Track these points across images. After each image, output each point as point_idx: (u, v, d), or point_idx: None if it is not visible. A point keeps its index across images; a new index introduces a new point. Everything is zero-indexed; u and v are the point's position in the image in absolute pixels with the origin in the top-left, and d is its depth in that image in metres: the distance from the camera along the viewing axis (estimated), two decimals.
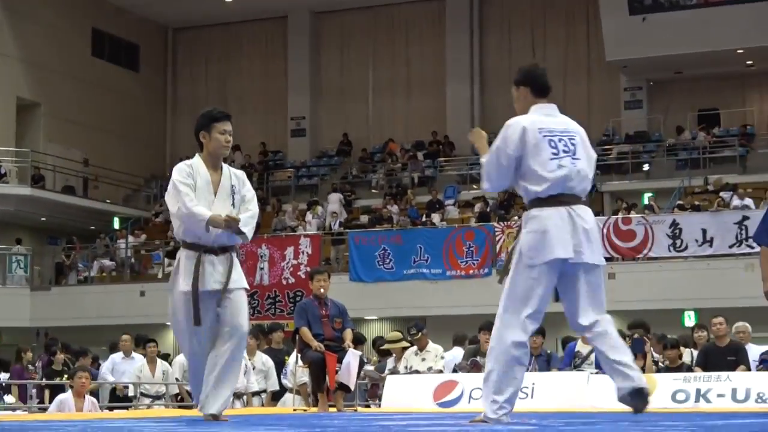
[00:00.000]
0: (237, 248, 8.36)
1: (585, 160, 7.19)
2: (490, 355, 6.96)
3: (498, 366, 6.87)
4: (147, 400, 17.07)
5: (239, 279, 8.23)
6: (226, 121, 8.37)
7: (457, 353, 15.35)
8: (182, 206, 7.98)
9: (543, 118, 7.30)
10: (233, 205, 8.20)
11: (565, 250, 6.95)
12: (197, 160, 8.29)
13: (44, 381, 17.88)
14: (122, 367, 17.71)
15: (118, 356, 18.02)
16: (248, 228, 8.18)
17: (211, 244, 8.11)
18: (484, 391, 6.92)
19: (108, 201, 36.75)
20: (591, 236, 7.06)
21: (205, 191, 8.12)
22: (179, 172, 8.14)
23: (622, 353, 7.12)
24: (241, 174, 8.50)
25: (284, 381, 14.72)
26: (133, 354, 17.93)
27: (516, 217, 27.34)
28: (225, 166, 8.39)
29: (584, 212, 7.12)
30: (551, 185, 7.03)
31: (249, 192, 8.42)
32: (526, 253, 6.96)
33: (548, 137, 7.15)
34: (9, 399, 17.91)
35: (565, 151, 7.12)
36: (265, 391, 15.56)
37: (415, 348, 14.70)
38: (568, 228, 7.01)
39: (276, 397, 15.78)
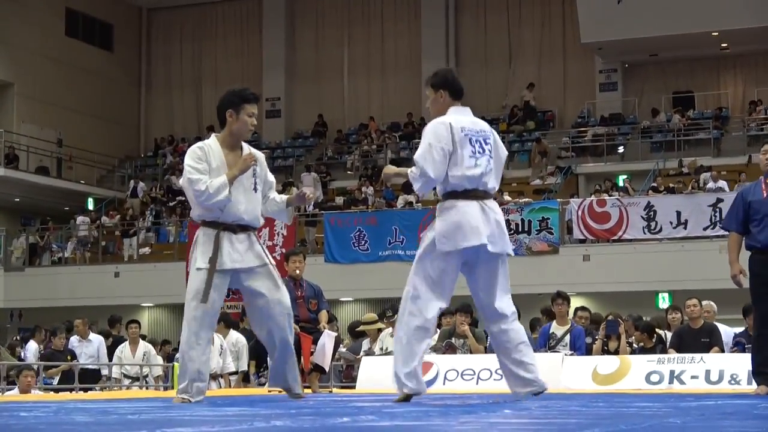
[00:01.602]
0: (256, 229, 8.23)
1: (496, 160, 7.87)
2: (396, 335, 7.71)
3: (401, 346, 7.60)
4: (127, 381, 17.08)
5: (263, 255, 8.11)
6: (255, 104, 8.18)
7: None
8: (199, 193, 7.76)
9: (462, 118, 7.81)
10: (255, 189, 8.06)
11: (479, 238, 7.57)
12: (213, 141, 8.05)
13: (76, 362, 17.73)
14: (79, 350, 17.73)
15: (74, 339, 18.01)
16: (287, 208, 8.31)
17: (230, 222, 7.92)
18: (395, 371, 7.58)
19: (82, 182, 36.60)
20: (502, 227, 7.78)
21: (221, 173, 7.84)
22: (191, 156, 7.88)
23: (526, 352, 7.85)
24: (261, 156, 8.30)
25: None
26: (91, 336, 17.98)
27: (492, 198, 27.33)
28: (245, 145, 8.19)
29: (495, 206, 7.82)
30: (468, 180, 7.67)
31: (270, 176, 8.33)
32: (441, 240, 7.56)
33: (468, 136, 7.72)
34: None
35: (480, 151, 7.72)
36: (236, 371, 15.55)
37: (391, 330, 14.70)
38: (482, 219, 7.66)
39: (247, 378, 15.80)
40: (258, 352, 15.33)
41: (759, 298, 9.32)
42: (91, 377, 17.57)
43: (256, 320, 8.18)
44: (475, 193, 7.68)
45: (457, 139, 7.63)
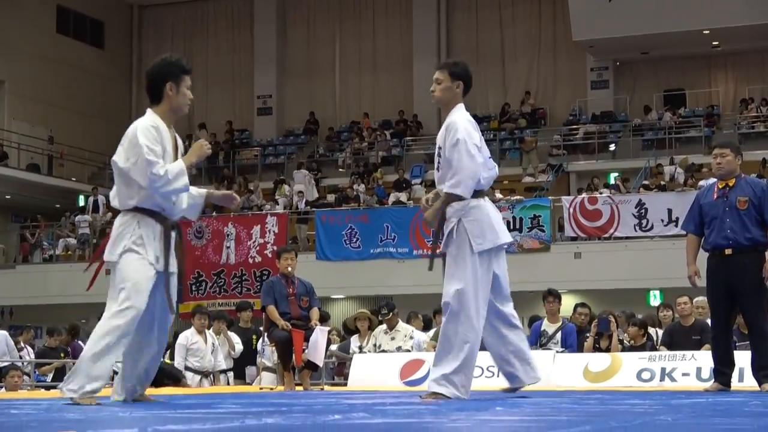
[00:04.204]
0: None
1: None
2: (465, 345, 7.38)
3: (471, 359, 7.41)
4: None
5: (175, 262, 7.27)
6: (189, 77, 7.36)
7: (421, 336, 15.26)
8: (156, 178, 6.85)
9: (471, 119, 7.75)
10: None
11: (507, 235, 7.73)
12: (157, 119, 7.14)
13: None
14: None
15: None
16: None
17: (174, 218, 7.19)
18: (443, 374, 7.35)
19: (73, 179, 36.55)
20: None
21: (172, 158, 7.06)
22: (146, 135, 6.96)
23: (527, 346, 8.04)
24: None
25: (262, 360, 14.70)
26: None
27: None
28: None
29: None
30: (487, 180, 7.68)
31: None
32: (477, 240, 7.48)
33: (481, 138, 7.72)
34: None
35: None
36: (231, 369, 15.55)
37: (384, 327, 14.70)
38: (500, 216, 7.80)
39: (242, 375, 15.80)
40: None
41: (713, 300, 9.57)
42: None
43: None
44: (485, 192, 7.73)
45: (479, 136, 7.65)
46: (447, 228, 7.57)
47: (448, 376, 7.35)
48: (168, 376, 13.24)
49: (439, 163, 7.67)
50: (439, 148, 7.64)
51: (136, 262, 6.92)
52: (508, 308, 7.86)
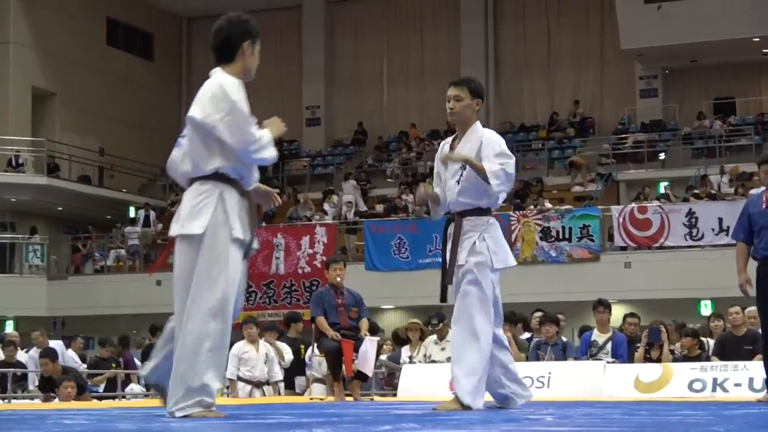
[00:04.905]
0: None
1: None
2: (484, 360, 7.45)
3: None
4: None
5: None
6: None
7: None
8: (252, 141, 6.20)
9: None
10: None
11: (513, 258, 7.76)
12: (235, 80, 6.41)
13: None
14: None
15: (34, 351, 17.95)
16: None
17: (246, 186, 6.44)
18: (474, 384, 7.40)
19: (124, 190, 36.81)
20: None
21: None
22: (238, 91, 6.32)
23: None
24: None
25: (309, 372, 14.73)
26: (51, 344, 18.00)
27: (531, 206, 27.29)
28: None
29: None
30: (503, 198, 7.75)
31: None
32: (496, 258, 7.51)
33: None
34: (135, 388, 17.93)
35: None
36: (282, 380, 15.58)
37: (434, 337, 14.69)
38: None
39: (292, 385, 15.83)
40: None
41: (763, 309, 9.50)
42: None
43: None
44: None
45: None
46: (467, 242, 7.57)
47: (477, 387, 7.43)
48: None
49: (461, 176, 7.64)
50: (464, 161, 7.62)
51: (230, 243, 6.11)
52: (500, 330, 7.88)
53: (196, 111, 6.19)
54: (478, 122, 7.79)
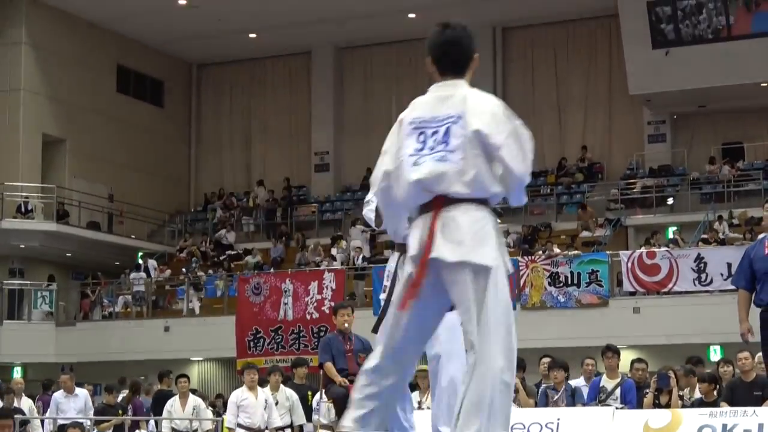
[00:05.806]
0: None
1: None
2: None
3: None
4: None
5: None
6: None
7: None
8: (529, 169, 5.65)
9: None
10: None
11: None
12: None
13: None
14: (65, 406, 17.83)
15: (60, 395, 18.07)
16: None
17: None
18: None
19: (133, 236, 36.84)
20: None
21: None
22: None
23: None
24: None
25: (316, 417, 14.69)
26: (77, 391, 18.07)
27: (540, 252, 27.27)
28: None
29: None
30: None
31: None
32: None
33: None
34: None
35: None
36: (290, 426, 15.53)
37: None
38: None
39: None
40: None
41: None
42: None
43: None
44: None
45: None
46: None
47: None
48: None
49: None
50: None
51: (507, 284, 5.47)
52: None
53: (482, 124, 5.49)
54: None
